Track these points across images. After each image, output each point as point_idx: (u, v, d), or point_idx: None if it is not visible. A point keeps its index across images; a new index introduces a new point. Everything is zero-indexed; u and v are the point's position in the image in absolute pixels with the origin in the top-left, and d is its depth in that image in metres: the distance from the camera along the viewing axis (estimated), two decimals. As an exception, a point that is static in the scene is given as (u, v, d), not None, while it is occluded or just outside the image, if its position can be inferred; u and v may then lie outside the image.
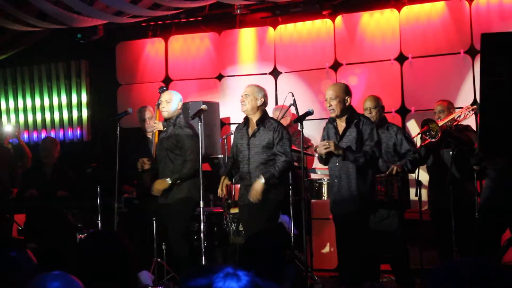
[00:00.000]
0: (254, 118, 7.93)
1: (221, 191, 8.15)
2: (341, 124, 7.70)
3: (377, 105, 8.60)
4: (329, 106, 7.63)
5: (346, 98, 7.63)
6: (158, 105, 8.67)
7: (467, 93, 10.21)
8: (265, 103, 7.98)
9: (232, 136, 9.12)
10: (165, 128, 8.50)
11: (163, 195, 8.40)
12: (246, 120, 8.06)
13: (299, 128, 7.72)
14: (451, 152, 8.49)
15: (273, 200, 7.84)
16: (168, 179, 8.30)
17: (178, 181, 8.30)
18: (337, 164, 7.64)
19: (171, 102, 8.44)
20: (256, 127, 7.91)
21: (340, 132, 7.68)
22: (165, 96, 8.53)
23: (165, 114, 8.44)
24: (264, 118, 7.94)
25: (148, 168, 8.61)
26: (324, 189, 8.84)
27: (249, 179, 7.89)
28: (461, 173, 8.64)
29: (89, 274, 3.44)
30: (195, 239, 8.92)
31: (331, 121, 7.79)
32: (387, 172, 8.11)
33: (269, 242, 5.19)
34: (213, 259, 8.69)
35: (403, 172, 8.25)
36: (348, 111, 7.67)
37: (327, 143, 7.50)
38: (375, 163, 7.75)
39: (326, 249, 10.68)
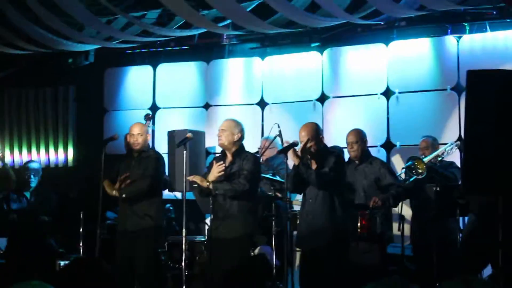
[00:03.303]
0: (230, 151, 7.91)
1: None
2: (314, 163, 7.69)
3: (359, 139, 8.61)
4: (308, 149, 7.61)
5: (321, 137, 7.70)
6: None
7: (453, 129, 10.24)
8: (242, 138, 7.95)
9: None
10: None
11: (129, 222, 8.41)
12: (223, 153, 8.05)
13: (283, 159, 7.74)
14: (434, 188, 8.50)
15: (243, 235, 7.77)
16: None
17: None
18: (311, 200, 7.65)
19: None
20: (232, 159, 7.89)
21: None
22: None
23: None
24: (240, 151, 7.92)
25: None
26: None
27: (225, 210, 7.83)
28: (444, 209, 8.63)
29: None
30: (177, 267, 8.89)
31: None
32: (368, 203, 8.12)
33: (250, 274, 5.17)
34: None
35: (384, 206, 8.24)
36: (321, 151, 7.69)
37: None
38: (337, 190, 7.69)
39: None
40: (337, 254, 7.50)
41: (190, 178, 7.85)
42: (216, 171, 7.69)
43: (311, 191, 7.67)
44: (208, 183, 7.74)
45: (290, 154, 7.57)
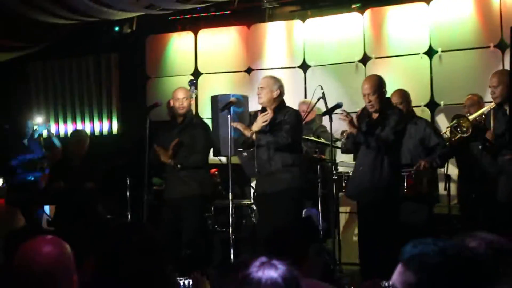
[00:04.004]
0: (271, 108, 7.95)
1: None
2: (375, 115, 7.78)
3: (403, 100, 8.58)
4: (369, 102, 7.69)
5: (384, 90, 7.74)
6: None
7: (497, 87, 10.13)
8: (281, 94, 7.98)
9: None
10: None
11: (176, 189, 8.54)
12: (263, 110, 8.07)
13: (327, 121, 7.77)
14: (480, 146, 8.44)
15: (293, 189, 7.83)
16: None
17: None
18: (362, 157, 7.73)
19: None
20: (273, 114, 7.92)
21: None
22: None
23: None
24: (281, 107, 7.96)
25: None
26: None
27: (269, 166, 7.89)
28: (490, 167, 8.57)
29: (116, 266, 3.43)
30: (224, 231, 8.98)
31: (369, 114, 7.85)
32: (414, 168, 8.09)
33: (295, 235, 5.19)
34: (241, 252, 8.70)
35: (431, 168, 8.22)
36: (383, 104, 7.74)
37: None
38: (391, 150, 7.73)
39: (354, 242, 10.66)
40: (388, 211, 7.55)
41: (234, 124, 7.90)
42: (261, 120, 7.73)
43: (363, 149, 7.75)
44: (251, 132, 7.80)
45: (346, 124, 7.63)
